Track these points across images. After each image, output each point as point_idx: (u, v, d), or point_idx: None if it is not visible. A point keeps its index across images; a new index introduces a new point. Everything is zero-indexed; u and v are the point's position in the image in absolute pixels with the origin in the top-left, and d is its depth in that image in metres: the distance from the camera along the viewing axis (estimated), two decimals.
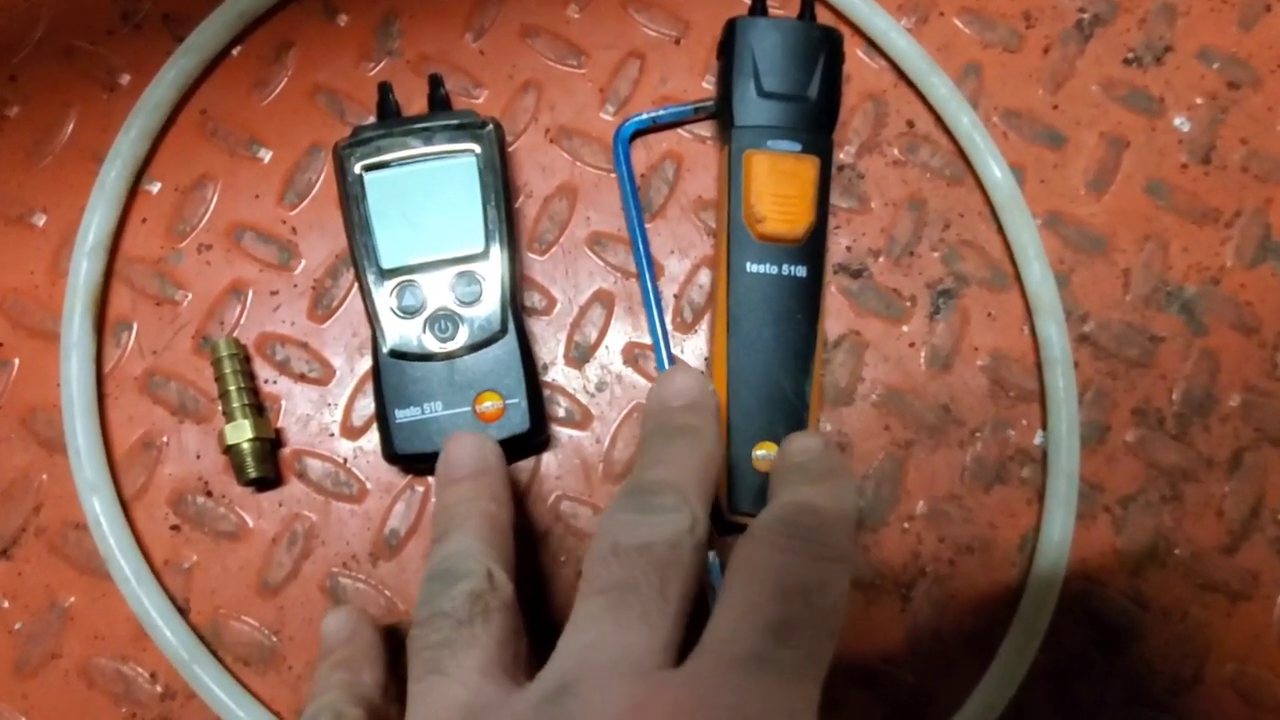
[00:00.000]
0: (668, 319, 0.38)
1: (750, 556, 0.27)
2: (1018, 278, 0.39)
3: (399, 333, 0.35)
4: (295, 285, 0.38)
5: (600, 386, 0.38)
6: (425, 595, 0.28)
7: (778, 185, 0.36)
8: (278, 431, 0.37)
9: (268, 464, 0.36)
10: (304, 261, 0.38)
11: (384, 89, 0.38)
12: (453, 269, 0.35)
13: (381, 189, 0.36)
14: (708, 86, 0.40)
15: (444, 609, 0.27)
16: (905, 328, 0.39)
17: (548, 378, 0.38)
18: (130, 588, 0.34)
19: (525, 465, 0.37)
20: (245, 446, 0.35)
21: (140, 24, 0.40)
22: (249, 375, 0.37)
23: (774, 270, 0.36)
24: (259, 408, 0.37)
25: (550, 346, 0.38)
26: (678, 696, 0.23)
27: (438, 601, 0.27)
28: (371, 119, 0.39)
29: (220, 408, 0.36)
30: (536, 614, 0.36)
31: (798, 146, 0.37)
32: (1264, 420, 0.38)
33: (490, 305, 0.35)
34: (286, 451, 0.37)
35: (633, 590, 0.26)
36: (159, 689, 0.35)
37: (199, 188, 0.39)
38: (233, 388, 0.36)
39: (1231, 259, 0.40)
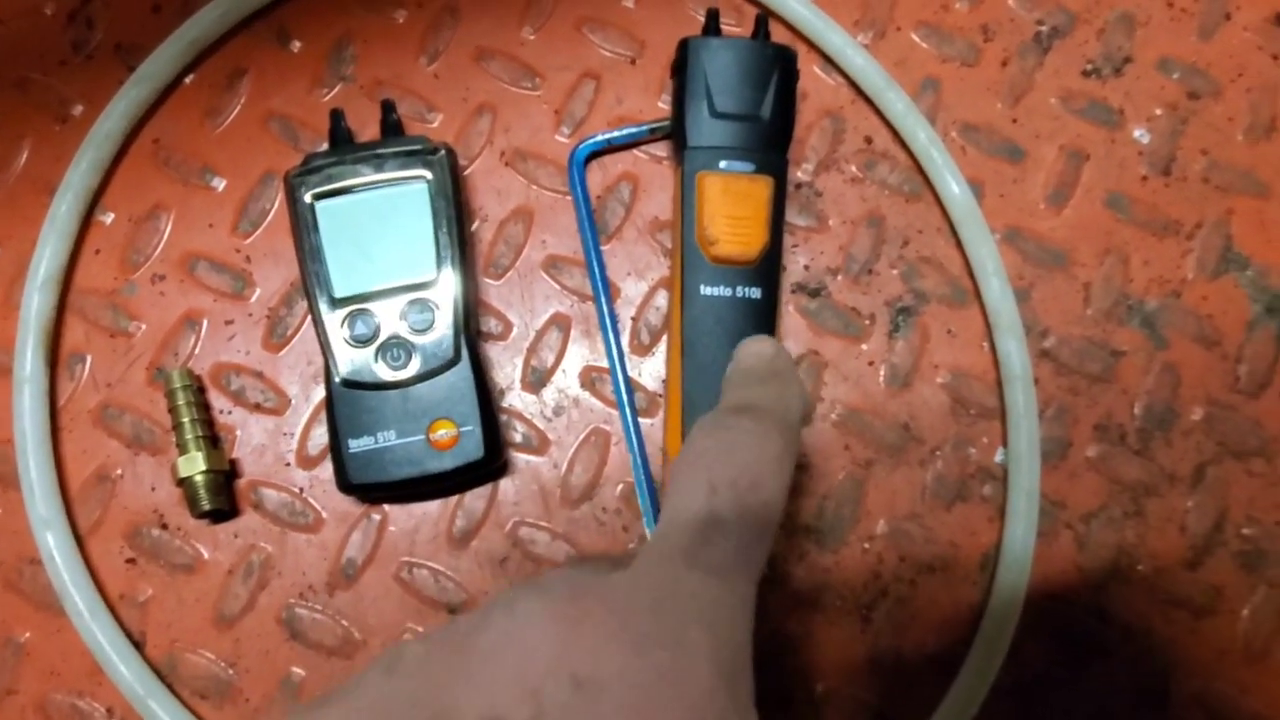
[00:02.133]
0: (625, 342, 0.38)
1: (688, 453, 0.26)
2: (977, 294, 0.39)
3: (351, 362, 0.35)
4: (250, 314, 0.38)
5: (557, 411, 0.38)
6: None
7: (731, 206, 0.36)
8: (233, 463, 0.37)
9: (221, 496, 0.35)
10: (259, 290, 0.38)
11: (335, 116, 0.38)
12: (405, 296, 0.35)
13: (333, 217, 0.35)
14: (664, 106, 0.40)
15: None
16: (864, 346, 0.39)
17: (504, 403, 0.38)
18: (84, 623, 0.34)
19: (482, 492, 0.37)
20: (199, 479, 0.35)
21: (92, 54, 0.40)
22: (203, 406, 0.37)
23: (728, 293, 0.36)
24: (213, 439, 0.36)
25: (507, 371, 0.38)
26: (610, 594, 0.22)
27: None
28: (324, 146, 0.39)
29: (174, 439, 0.36)
30: None
31: (751, 167, 0.36)
32: (1226, 434, 0.38)
33: (442, 332, 0.35)
34: (242, 482, 0.37)
35: None
36: None
37: (152, 218, 0.39)
38: (186, 419, 0.36)
39: (1193, 271, 0.39)
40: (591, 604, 0.22)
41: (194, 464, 0.35)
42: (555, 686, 0.20)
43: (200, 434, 0.36)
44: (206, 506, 0.35)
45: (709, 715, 0.21)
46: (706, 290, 0.36)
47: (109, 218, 0.39)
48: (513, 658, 0.21)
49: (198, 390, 0.37)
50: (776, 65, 0.37)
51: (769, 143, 0.37)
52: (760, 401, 0.28)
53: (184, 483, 0.35)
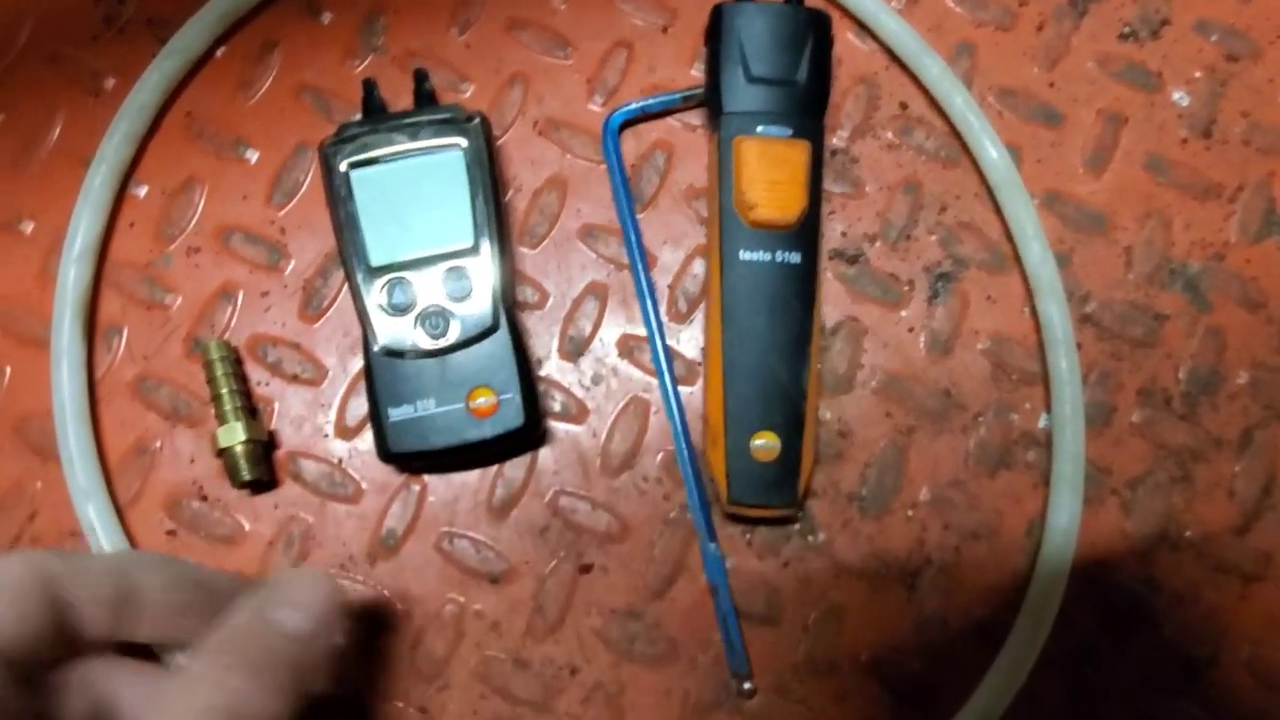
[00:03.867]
0: (662, 310, 0.38)
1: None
2: (1017, 259, 0.38)
3: (390, 331, 0.34)
4: (285, 286, 0.38)
5: (595, 380, 0.37)
6: None
7: (768, 171, 0.36)
8: (271, 434, 0.37)
9: (261, 466, 0.35)
10: (294, 262, 0.38)
11: (368, 86, 0.37)
12: (442, 265, 0.35)
13: (368, 187, 0.35)
14: (696, 74, 0.40)
15: None
16: (904, 313, 0.38)
17: (542, 372, 0.37)
18: None
19: (521, 461, 0.37)
20: (238, 449, 0.35)
21: (124, 28, 0.40)
22: (240, 377, 0.36)
23: (767, 257, 0.35)
24: (251, 410, 0.36)
25: (544, 341, 0.38)
26: None
27: None
28: (358, 117, 0.38)
29: (213, 411, 0.36)
30: (539, 612, 0.36)
31: (788, 131, 0.36)
32: (1273, 397, 0.37)
33: (481, 300, 0.35)
34: (281, 453, 0.37)
35: None
36: None
37: (186, 190, 0.39)
38: (224, 390, 0.35)
39: (1235, 234, 0.39)
40: None
41: (233, 434, 0.35)
42: None
43: (239, 405, 0.35)
44: (247, 476, 0.35)
45: None
46: (746, 255, 0.35)
47: (143, 191, 0.39)
48: None
49: (235, 361, 0.36)
50: (811, 29, 0.37)
51: (805, 107, 0.37)
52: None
53: (224, 453, 0.35)
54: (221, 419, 0.35)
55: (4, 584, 0.25)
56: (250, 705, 0.25)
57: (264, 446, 0.36)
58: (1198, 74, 0.40)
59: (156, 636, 0.28)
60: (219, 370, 0.36)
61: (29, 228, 0.38)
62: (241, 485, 0.35)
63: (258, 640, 0.26)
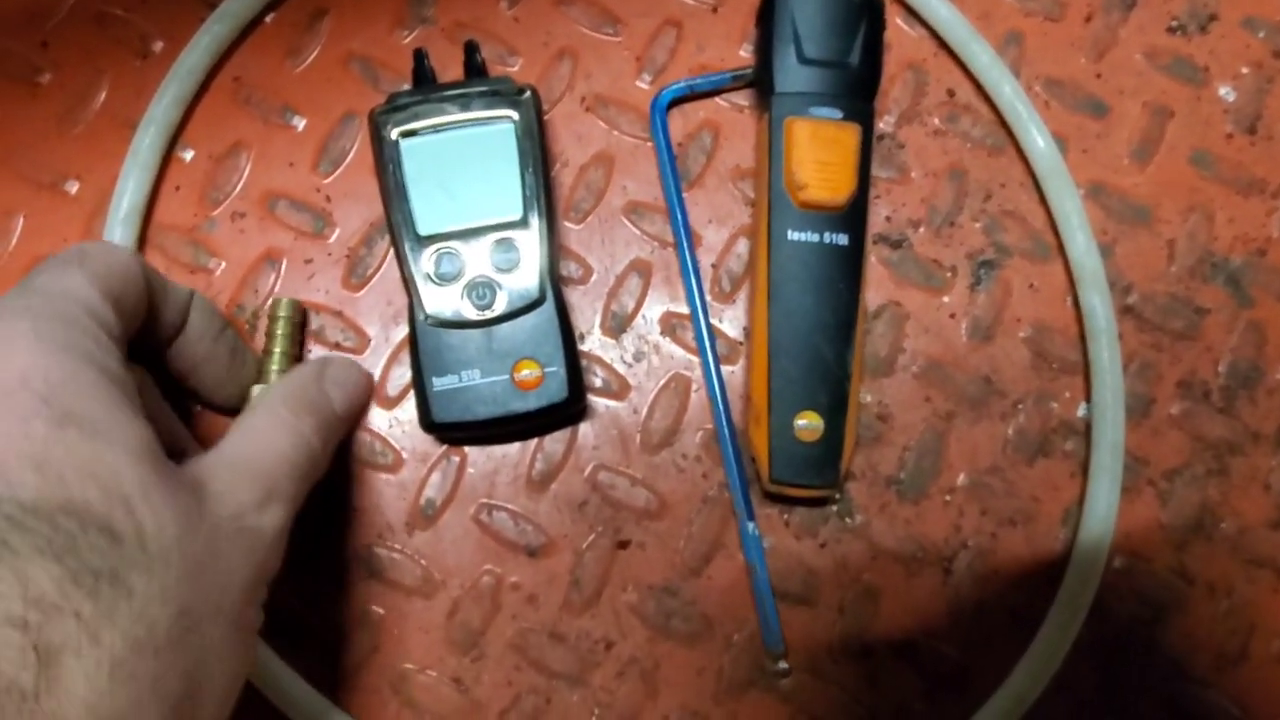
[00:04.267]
0: (706, 289, 0.38)
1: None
2: (1060, 249, 0.38)
3: (437, 300, 0.34)
4: (330, 254, 0.38)
5: (638, 356, 0.38)
6: None
7: (819, 152, 0.36)
8: None
9: None
10: (338, 230, 0.38)
11: (419, 55, 0.37)
12: (490, 236, 0.35)
13: (418, 156, 0.35)
14: (745, 55, 0.40)
15: None
16: (946, 298, 0.38)
17: (584, 347, 0.37)
18: None
19: (561, 435, 0.37)
20: None
21: None
22: (298, 343, 0.36)
23: (815, 238, 0.35)
24: None
25: (587, 316, 0.38)
26: None
27: None
28: (405, 87, 0.38)
29: (259, 365, 0.35)
30: (576, 586, 0.36)
31: (839, 114, 0.36)
32: None
33: (529, 273, 0.35)
34: None
35: None
36: None
37: (232, 155, 0.39)
38: (277, 349, 0.35)
39: (1277, 230, 0.39)
40: None
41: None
42: None
43: (283, 368, 0.35)
44: None
45: None
46: (794, 235, 0.35)
47: (189, 155, 0.39)
48: None
49: (300, 325, 0.36)
50: (865, 12, 0.37)
51: (856, 90, 0.37)
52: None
53: None
54: (262, 376, 0.35)
55: (122, 266, 0.28)
56: (317, 457, 0.30)
57: None
58: (1244, 69, 0.40)
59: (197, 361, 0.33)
60: (281, 328, 0.35)
61: (74, 188, 0.38)
62: None
63: (319, 404, 0.32)
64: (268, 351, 0.35)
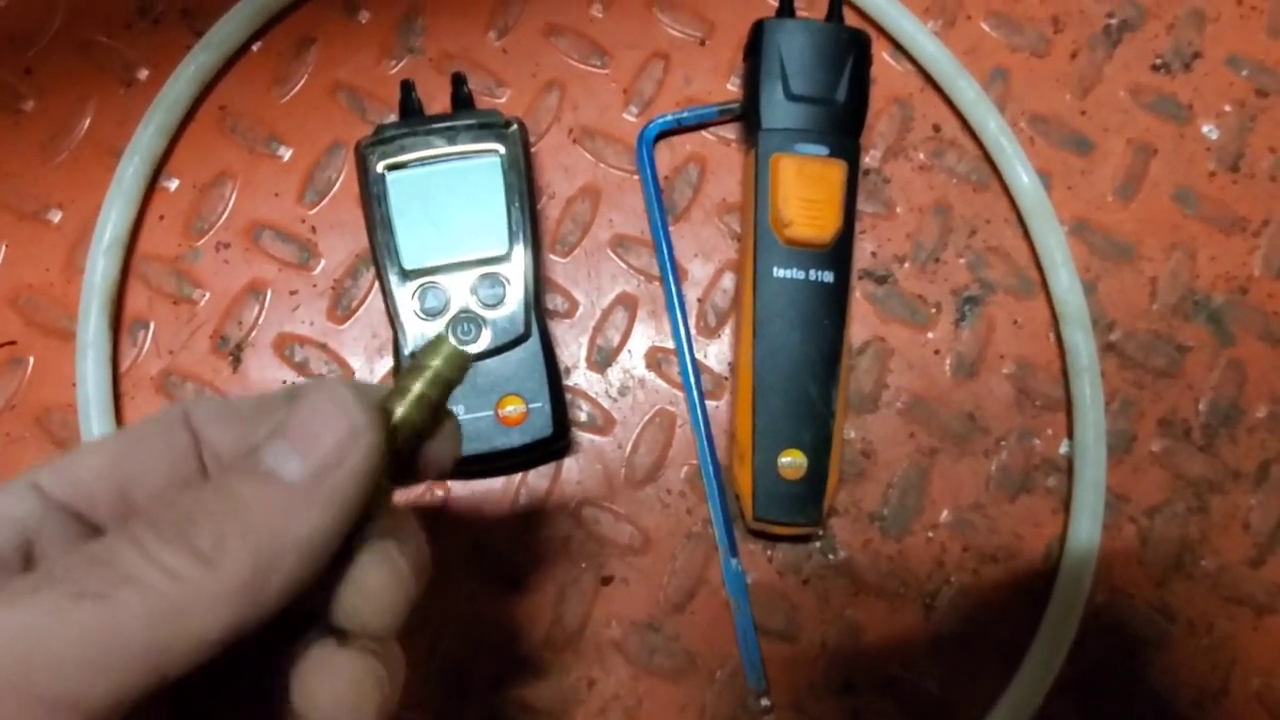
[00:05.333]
0: (691, 323, 0.38)
1: None
2: (1044, 285, 0.38)
3: (421, 334, 0.34)
4: (314, 285, 0.38)
5: (623, 391, 0.38)
6: None
7: (805, 189, 0.36)
8: None
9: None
10: (324, 261, 0.38)
11: (406, 87, 0.37)
12: (475, 270, 0.35)
13: (404, 188, 0.35)
14: (732, 88, 0.40)
15: None
16: (930, 334, 0.38)
17: (569, 381, 0.37)
18: None
19: (546, 470, 0.37)
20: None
21: (159, 19, 0.40)
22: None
23: (801, 275, 0.36)
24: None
25: (572, 350, 0.38)
26: None
27: None
28: (392, 117, 0.38)
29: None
30: (559, 623, 0.36)
31: (825, 150, 0.36)
32: None
33: (513, 307, 0.35)
34: None
35: None
36: None
37: (217, 185, 0.38)
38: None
39: (1259, 268, 0.39)
40: None
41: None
42: None
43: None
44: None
45: None
46: (779, 272, 0.35)
47: (173, 184, 0.38)
48: None
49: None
50: (852, 49, 0.37)
51: (843, 126, 0.37)
52: None
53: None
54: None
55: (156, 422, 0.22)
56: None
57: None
58: (1227, 107, 0.41)
59: None
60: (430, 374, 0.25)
61: (57, 217, 0.38)
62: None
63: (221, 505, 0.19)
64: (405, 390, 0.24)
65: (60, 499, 0.20)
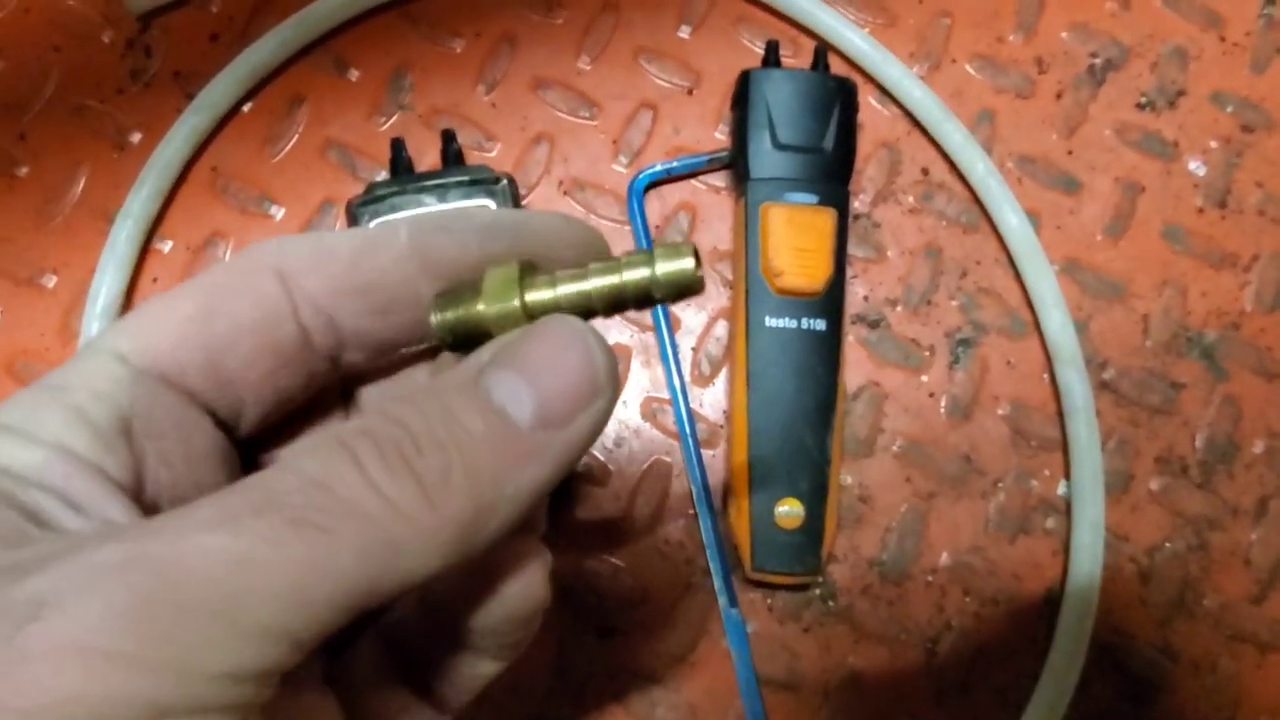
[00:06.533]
0: (686, 372, 0.38)
1: None
2: (1037, 325, 0.39)
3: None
4: None
5: (618, 442, 0.38)
6: None
7: (796, 238, 0.36)
8: None
9: None
10: None
11: (396, 145, 0.38)
12: None
13: None
14: (721, 136, 0.40)
15: None
16: (924, 377, 0.38)
17: None
18: None
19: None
20: None
21: (150, 82, 0.40)
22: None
23: (793, 324, 0.36)
24: None
25: None
26: None
27: None
28: (383, 174, 0.39)
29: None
30: (560, 676, 0.35)
31: (814, 198, 0.36)
32: None
33: None
34: None
35: None
36: None
37: (210, 246, 0.39)
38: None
39: (1251, 303, 0.39)
40: None
41: None
42: None
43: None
44: None
45: None
46: (772, 322, 0.36)
47: (167, 246, 0.39)
48: None
49: None
50: (838, 97, 0.37)
51: (831, 174, 0.37)
52: None
53: None
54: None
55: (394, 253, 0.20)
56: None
57: None
58: (1213, 144, 0.41)
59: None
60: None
61: (51, 282, 0.38)
62: None
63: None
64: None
65: (148, 368, 0.18)
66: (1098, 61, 0.41)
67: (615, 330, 0.38)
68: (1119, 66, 0.41)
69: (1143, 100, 0.41)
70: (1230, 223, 0.40)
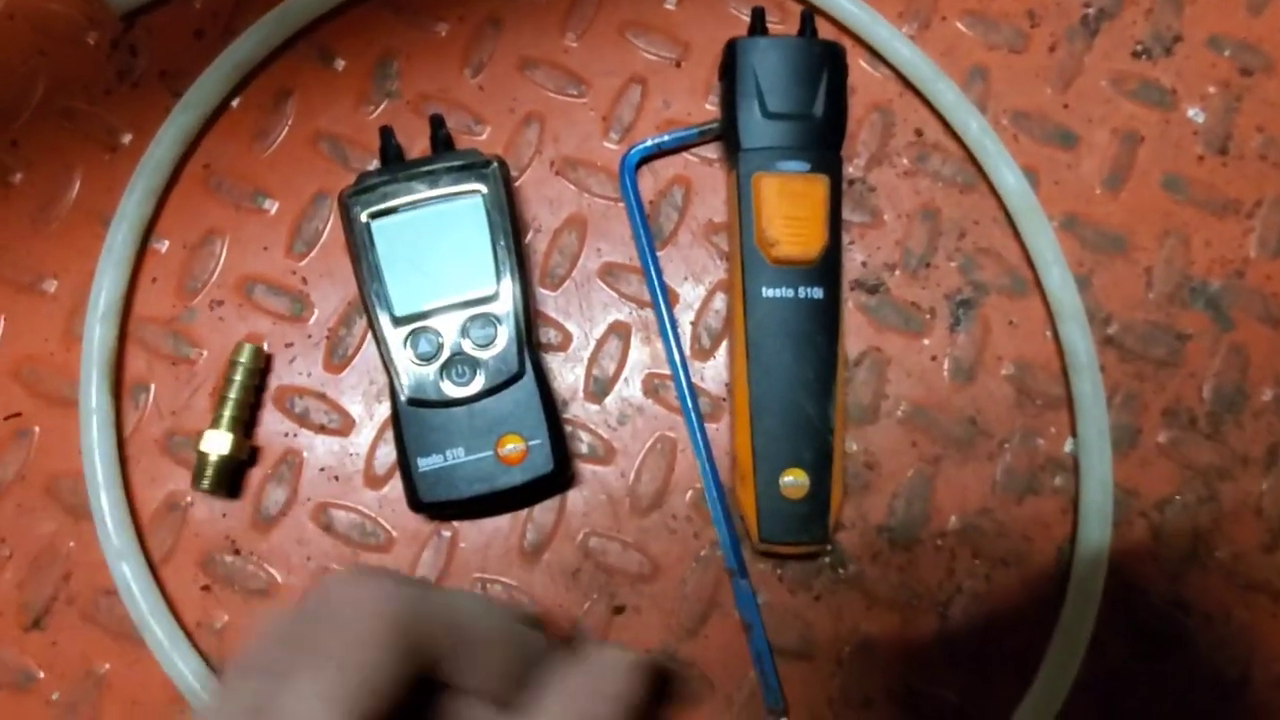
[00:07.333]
0: (685, 347, 0.38)
1: None
2: (1037, 283, 0.38)
3: (416, 380, 0.35)
4: (309, 336, 0.38)
5: (622, 420, 0.38)
6: None
7: (789, 207, 0.36)
8: (254, 450, 0.37)
9: (225, 484, 0.36)
10: (316, 311, 0.38)
11: (385, 133, 0.37)
12: (466, 312, 0.35)
13: (389, 236, 0.35)
14: (711, 108, 0.40)
15: None
16: (926, 341, 0.38)
17: (568, 414, 0.38)
18: (164, 652, 0.34)
19: (551, 504, 0.37)
20: (213, 460, 0.35)
21: (137, 81, 0.40)
22: (256, 390, 0.37)
23: (790, 294, 0.35)
24: (247, 424, 0.37)
25: (569, 382, 0.38)
26: None
27: None
28: (374, 162, 0.39)
29: (214, 407, 0.36)
30: None
31: (806, 166, 0.36)
32: None
33: (505, 346, 0.35)
34: (311, 505, 0.37)
35: None
36: None
37: (207, 243, 0.39)
38: (233, 396, 0.36)
39: (1255, 250, 0.39)
40: None
41: (218, 443, 0.35)
42: None
43: (237, 415, 0.36)
44: (206, 487, 0.35)
45: None
46: (769, 292, 0.35)
47: (164, 245, 0.39)
48: None
49: (260, 373, 0.37)
50: (826, 62, 0.37)
51: (823, 141, 0.37)
52: None
53: (200, 455, 0.35)
54: (216, 423, 0.36)
55: (365, 628, 0.23)
56: None
57: (240, 465, 0.36)
58: (1212, 89, 0.40)
59: (479, 687, 0.25)
60: (239, 374, 0.36)
61: (51, 287, 0.38)
62: (197, 488, 0.35)
63: None
64: (223, 399, 0.36)
65: None
66: (1091, 11, 0.41)
67: (613, 308, 0.38)
68: (1113, 15, 0.41)
69: (1138, 48, 0.41)
70: (1232, 169, 0.39)
